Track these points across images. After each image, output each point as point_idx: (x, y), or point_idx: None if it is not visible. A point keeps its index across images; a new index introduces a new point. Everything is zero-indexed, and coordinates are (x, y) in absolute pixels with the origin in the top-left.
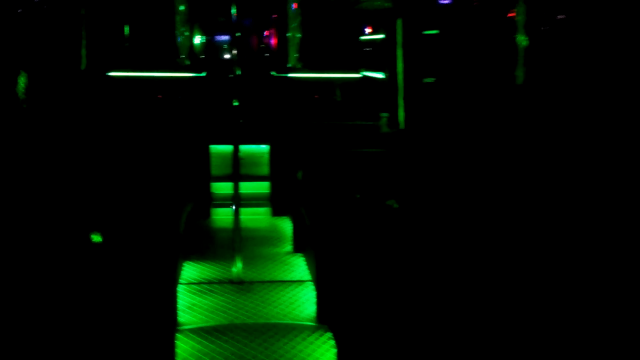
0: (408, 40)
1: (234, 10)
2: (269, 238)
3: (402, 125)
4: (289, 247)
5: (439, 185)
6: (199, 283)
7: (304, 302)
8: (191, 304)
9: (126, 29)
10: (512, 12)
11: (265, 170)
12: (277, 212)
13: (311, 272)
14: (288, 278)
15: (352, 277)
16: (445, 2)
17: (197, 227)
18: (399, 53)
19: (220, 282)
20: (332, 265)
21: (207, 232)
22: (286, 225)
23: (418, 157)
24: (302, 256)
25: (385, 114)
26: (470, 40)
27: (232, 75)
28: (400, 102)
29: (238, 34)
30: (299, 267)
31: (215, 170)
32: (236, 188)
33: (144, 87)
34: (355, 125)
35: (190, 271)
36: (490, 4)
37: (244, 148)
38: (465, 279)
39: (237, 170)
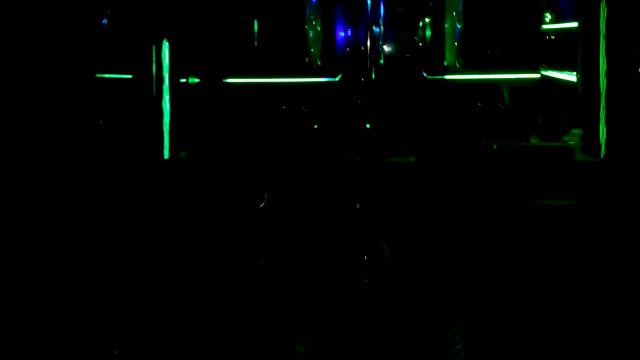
0: (616, 28)
1: None
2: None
3: (604, 149)
4: None
5: None
6: None
7: None
8: None
9: (249, 29)
10: None
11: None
12: None
13: None
14: None
15: None
16: None
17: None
18: (602, 46)
19: None
20: None
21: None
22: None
23: None
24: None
25: (578, 131)
26: None
27: (374, 78)
28: (603, 114)
29: (380, 28)
30: None
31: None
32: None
33: (266, 93)
34: (533, 147)
35: None
36: None
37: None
38: None
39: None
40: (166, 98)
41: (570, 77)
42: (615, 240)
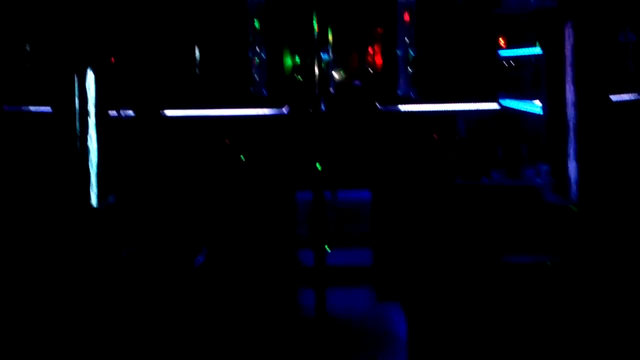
0: (584, 54)
1: (315, 24)
2: (372, 345)
3: (574, 188)
4: None
5: None
6: None
7: None
8: None
9: (188, 57)
10: None
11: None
12: (384, 295)
13: None
14: None
15: None
16: None
17: (272, 330)
18: (568, 74)
19: None
20: None
21: (285, 336)
22: (397, 318)
23: None
24: None
25: (545, 167)
26: None
27: (323, 110)
28: (571, 148)
29: (329, 55)
30: None
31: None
32: (319, 260)
33: (208, 126)
34: (495, 187)
35: None
36: None
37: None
38: None
39: (323, 230)
40: (92, 135)
41: (532, 107)
42: (591, 304)
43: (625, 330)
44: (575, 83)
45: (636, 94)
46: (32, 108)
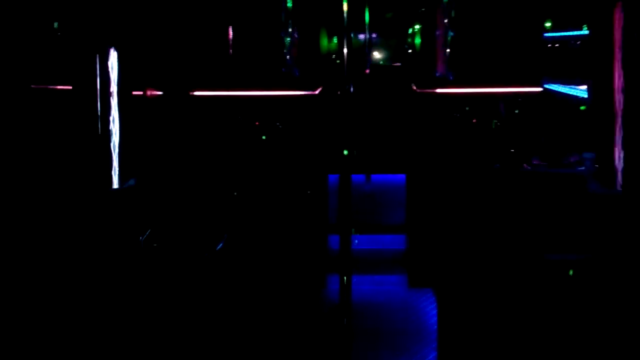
0: (635, 37)
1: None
2: (400, 333)
3: (621, 178)
4: (431, 354)
5: None
6: None
7: None
8: None
9: (216, 36)
10: None
11: (398, 214)
12: (416, 282)
13: None
14: None
15: None
16: None
17: (299, 316)
18: (617, 58)
19: None
20: None
21: (312, 322)
22: (428, 305)
23: None
24: None
25: (589, 155)
26: None
27: (352, 91)
28: (618, 136)
29: (366, 35)
30: None
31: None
32: (345, 245)
33: (237, 107)
34: (536, 174)
35: None
36: None
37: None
38: None
39: (348, 215)
40: (114, 116)
41: (577, 91)
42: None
43: None
44: (625, 68)
45: None
46: (60, 87)
